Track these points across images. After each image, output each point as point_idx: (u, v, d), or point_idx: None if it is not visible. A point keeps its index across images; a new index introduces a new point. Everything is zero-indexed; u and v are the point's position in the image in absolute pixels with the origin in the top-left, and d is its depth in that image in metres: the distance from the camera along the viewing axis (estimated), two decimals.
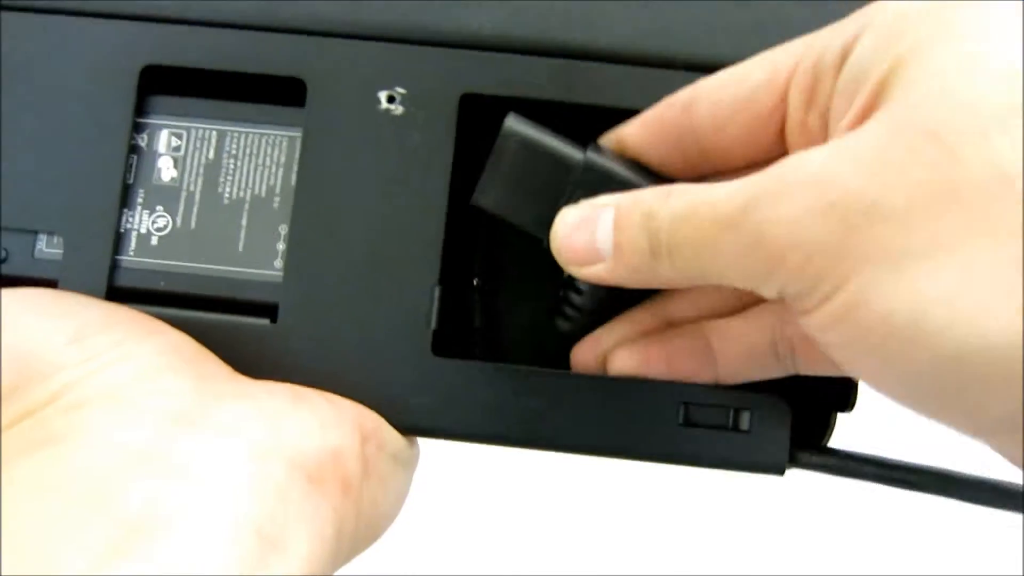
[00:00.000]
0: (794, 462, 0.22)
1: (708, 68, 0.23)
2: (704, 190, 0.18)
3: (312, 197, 0.23)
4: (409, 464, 0.24)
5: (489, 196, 0.21)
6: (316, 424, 0.21)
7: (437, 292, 0.23)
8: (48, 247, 0.24)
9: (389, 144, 0.23)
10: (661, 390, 0.22)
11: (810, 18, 0.21)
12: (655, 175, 0.21)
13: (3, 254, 0.24)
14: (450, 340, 0.23)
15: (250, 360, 0.22)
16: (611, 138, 0.22)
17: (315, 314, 0.23)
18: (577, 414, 0.22)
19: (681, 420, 0.22)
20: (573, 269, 0.20)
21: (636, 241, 0.18)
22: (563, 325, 0.23)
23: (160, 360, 0.21)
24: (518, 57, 0.23)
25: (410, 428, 0.23)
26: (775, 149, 0.20)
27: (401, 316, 0.23)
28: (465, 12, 0.23)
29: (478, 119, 0.24)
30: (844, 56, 0.17)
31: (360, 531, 0.21)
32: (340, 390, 0.22)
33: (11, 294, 0.21)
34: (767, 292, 0.17)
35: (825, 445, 0.23)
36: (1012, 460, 0.16)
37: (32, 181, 0.23)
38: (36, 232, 0.24)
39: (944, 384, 0.15)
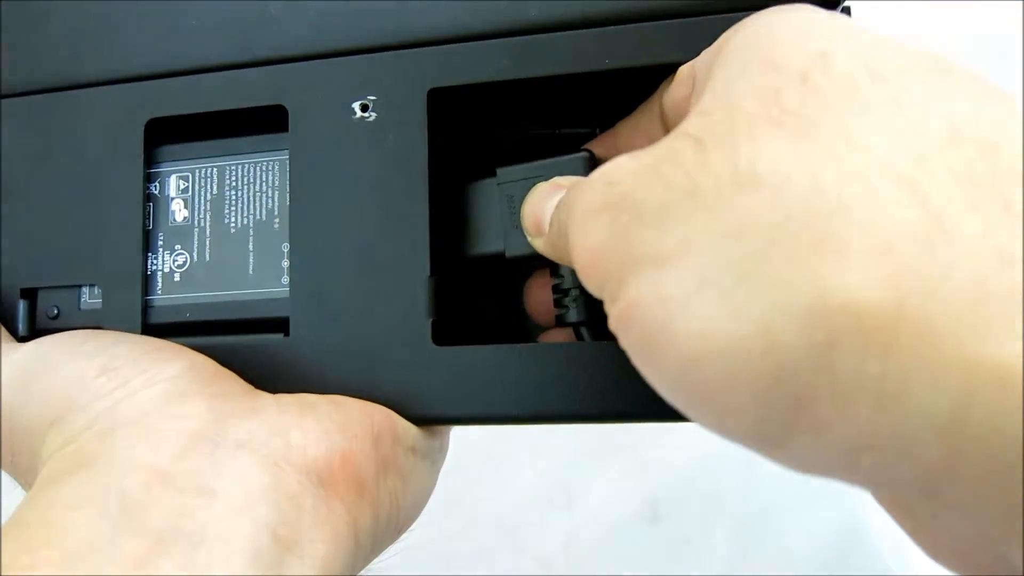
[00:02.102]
0: None
1: (658, 17, 0.23)
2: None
3: (305, 212, 0.24)
4: (429, 455, 0.24)
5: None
6: (322, 432, 0.22)
7: (431, 284, 0.23)
8: (91, 298, 0.26)
9: (367, 150, 0.24)
10: None
11: None
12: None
13: (55, 311, 0.26)
14: (449, 329, 0.24)
15: (268, 374, 0.24)
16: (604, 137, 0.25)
17: (322, 322, 0.24)
18: (583, 384, 0.22)
19: None
20: (529, 238, 0.22)
21: (556, 221, 0.20)
22: (570, 316, 0.24)
23: (179, 384, 0.22)
24: (477, 44, 0.24)
25: (422, 418, 0.23)
26: None
27: (400, 311, 0.23)
28: (421, 11, 0.24)
29: (449, 110, 0.24)
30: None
31: (381, 527, 0.22)
32: (351, 390, 0.23)
33: (50, 340, 0.24)
34: (592, 292, 0.17)
35: None
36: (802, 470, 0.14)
37: (69, 242, 0.26)
38: (80, 286, 0.26)
39: (696, 389, 0.14)
